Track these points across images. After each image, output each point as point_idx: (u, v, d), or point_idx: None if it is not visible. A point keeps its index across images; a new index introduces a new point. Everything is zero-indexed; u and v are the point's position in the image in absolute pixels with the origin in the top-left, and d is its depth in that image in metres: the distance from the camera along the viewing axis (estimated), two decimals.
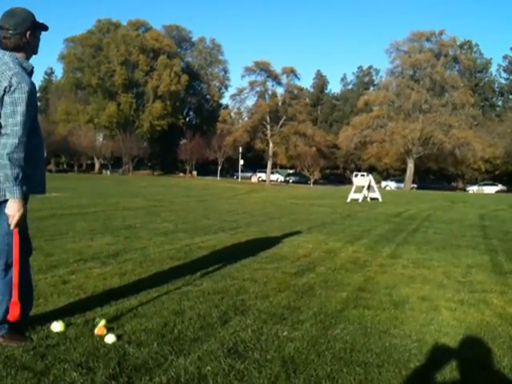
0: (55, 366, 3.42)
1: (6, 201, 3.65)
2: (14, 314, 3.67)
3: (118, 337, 3.97)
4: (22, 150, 3.55)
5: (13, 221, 3.64)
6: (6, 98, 3.54)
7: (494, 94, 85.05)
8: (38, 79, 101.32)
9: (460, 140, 64.08)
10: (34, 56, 3.90)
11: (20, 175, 3.56)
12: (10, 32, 3.68)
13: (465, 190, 68.62)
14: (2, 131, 3.55)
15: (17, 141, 3.52)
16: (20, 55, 3.75)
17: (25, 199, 3.73)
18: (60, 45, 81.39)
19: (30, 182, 3.72)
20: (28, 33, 3.72)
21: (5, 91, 3.55)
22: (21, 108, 3.55)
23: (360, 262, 7.87)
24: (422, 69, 69.28)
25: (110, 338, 3.90)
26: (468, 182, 78.01)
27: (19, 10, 3.78)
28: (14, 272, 3.72)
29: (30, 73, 3.79)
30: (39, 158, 3.90)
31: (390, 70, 73.63)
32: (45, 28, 3.93)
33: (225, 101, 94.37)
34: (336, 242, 9.99)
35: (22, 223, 3.76)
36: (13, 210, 3.62)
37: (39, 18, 3.85)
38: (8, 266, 3.75)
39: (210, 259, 7.46)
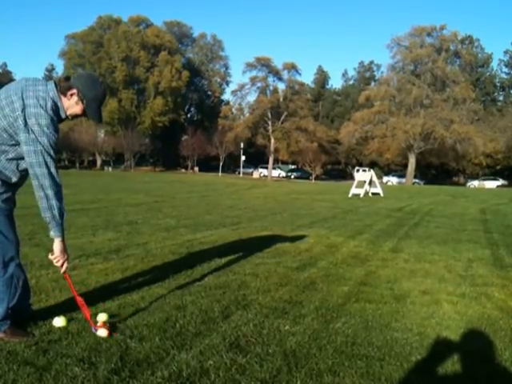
0: (57, 361, 3.43)
1: None
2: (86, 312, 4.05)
3: (119, 331, 3.99)
4: (60, 186, 3.69)
5: (62, 265, 3.84)
6: (34, 136, 3.53)
7: (495, 89, 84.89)
8: (38, 75, 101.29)
9: (461, 135, 63.89)
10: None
11: (64, 214, 3.72)
12: (71, 78, 3.80)
13: (464, 185, 68.41)
14: (31, 171, 3.60)
15: (55, 179, 3.65)
16: (63, 103, 3.77)
17: (11, 210, 3.85)
18: (61, 41, 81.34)
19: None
20: (71, 92, 3.74)
21: (31, 127, 3.53)
22: (48, 151, 3.58)
23: (361, 257, 7.88)
24: (423, 64, 69.12)
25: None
26: (469, 176, 77.91)
27: (96, 80, 3.99)
28: (72, 288, 4.08)
29: (61, 119, 3.80)
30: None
31: (391, 65, 73.51)
32: (94, 116, 3.92)
33: (226, 97, 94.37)
34: (337, 236, 10.00)
35: (5, 221, 3.78)
36: (58, 251, 3.78)
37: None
38: (6, 264, 3.76)
39: (212, 254, 7.45)
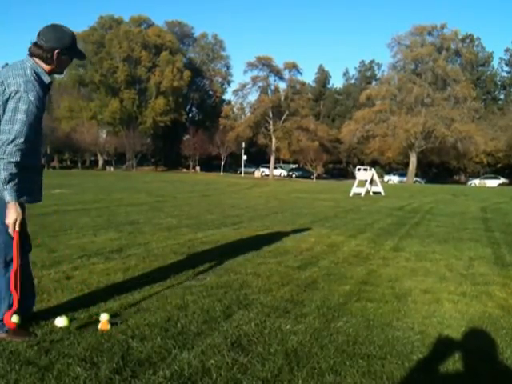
0: (59, 360, 3.43)
1: None
2: (10, 322, 3.72)
3: (120, 331, 4.00)
4: (14, 155, 3.53)
5: (9, 226, 3.67)
6: (10, 104, 3.56)
7: (495, 88, 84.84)
8: None
9: (462, 133, 63.91)
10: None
11: (9, 178, 3.54)
12: (42, 42, 3.75)
13: (465, 184, 68.43)
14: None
15: (9, 147, 3.52)
16: (44, 67, 3.80)
17: (21, 205, 3.76)
18: None
19: (28, 190, 3.78)
20: (56, 51, 3.76)
21: (10, 96, 3.57)
22: (21, 117, 3.55)
23: (363, 256, 7.88)
24: (423, 63, 69.11)
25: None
26: (470, 175, 77.91)
27: (60, 28, 3.87)
28: (12, 277, 3.73)
29: (46, 86, 3.81)
30: (36, 166, 3.91)
31: (392, 64, 73.57)
32: (80, 56, 4.01)
33: (227, 96, 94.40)
34: (339, 235, 10.00)
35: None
36: (7, 214, 3.65)
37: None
38: (7, 263, 3.76)
39: (213, 254, 7.47)
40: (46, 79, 3.81)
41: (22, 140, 3.56)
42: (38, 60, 3.77)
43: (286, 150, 76.40)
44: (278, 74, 75.96)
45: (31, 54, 3.78)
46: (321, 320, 4.51)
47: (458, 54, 72.19)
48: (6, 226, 3.70)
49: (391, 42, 71.05)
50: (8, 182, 3.56)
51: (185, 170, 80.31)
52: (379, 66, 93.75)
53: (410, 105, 68.67)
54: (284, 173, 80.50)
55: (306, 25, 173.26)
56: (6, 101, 3.58)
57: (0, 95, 3.59)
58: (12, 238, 3.73)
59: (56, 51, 3.76)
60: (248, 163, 77.76)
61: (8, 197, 3.59)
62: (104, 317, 4.13)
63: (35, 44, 3.77)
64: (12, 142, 3.52)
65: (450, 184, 63.89)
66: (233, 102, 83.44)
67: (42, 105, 3.73)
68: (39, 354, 3.51)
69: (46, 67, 3.81)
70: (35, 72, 3.72)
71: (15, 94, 3.56)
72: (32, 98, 3.59)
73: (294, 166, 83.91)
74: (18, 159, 3.56)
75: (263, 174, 75.93)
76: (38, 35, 3.76)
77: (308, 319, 4.52)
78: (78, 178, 39.64)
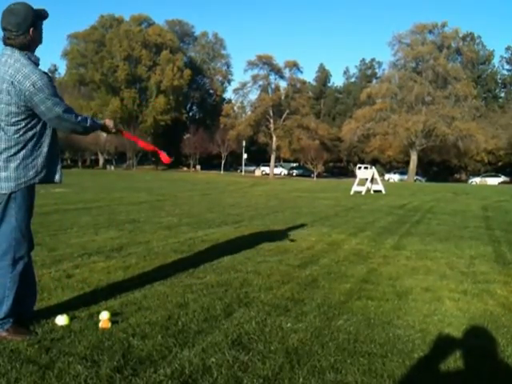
0: (60, 359, 3.43)
1: (13, 192, 3.72)
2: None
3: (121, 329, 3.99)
4: (75, 116, 3.87)
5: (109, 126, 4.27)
6: (36, 97, 3.63)
7: (496, 86, 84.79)
8: None
9: (463, 132, 63.90)
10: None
11: (90, 125, 3.99)
12: (14, 33, 3.68)
13: (466, 182, 68.45)
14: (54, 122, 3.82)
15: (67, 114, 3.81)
16: (31, 47, 3.80)
17: (31, 190, 3.85)
18: (63, 41, 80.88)
19: (48, 170, 3.92)
20: (31, 30, 3.73)
21: (29, 91, 3.60)
22: (51, 102, 3.68)
23: (363, 254, 7.87)
24: (424, 61, 69.09)
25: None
26: (471, 173, 77.86)
27: (18, 8, 3.73)
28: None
29: (37, 65, 3.82)
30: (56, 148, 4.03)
31: (393, 62, 73.57)
32: (45, 16, 3.91)
33: (228, 95, 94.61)
34: (339, 234, 10.00)
35: (25, 218, 3.81)
36: (107, 124, 4.27)
37: None
38: (15, 261, 3.77)
39: (214, 252, 7.46)
40: (36, 59, 3.83)
41: (71, 112, 3.85)
42: (23, 51, 3.75)
43: (286, 148, 76.38)
44: (279, 72, 76.01)
45: (11, 46, 3.74)
46: (321, 318, 4.51)
47: (459, 53, 72.18)
48: (20, 223, 3.79)
49: (392, 41, 71.15)
50: (91, 125, 4.00)
51: (185, 168, 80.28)
52: (380, 64, 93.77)
53: (410, 103, 68.70)
54: (284, 171, 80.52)
55: (306, 23, 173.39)
56: (30, 97, 3.62)
57: (17, 94, 3.61)
58: (23, 236, 3.83)
59: (31, 29, 3.73)
60: (248, 162, 77.80)
61: (99, 122, 4.18)
62: (105, 315, 4.13)
63: (8, 38, 3.71)
64: (65, 111, 3.78)
65: (451, 182, 63.90)
66: (233, 101, 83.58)
67: (51, 76, 3.85)
68: (40, 353, 3.51)
69: (31, 55, 3.80)
70: (27, 58, 3.72)
71: (33, 86, 3.60)
72: (46, 79, 3.69)
73: (294, 165, 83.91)
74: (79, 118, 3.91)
75: (264, 172, 75.97)
76: (5, 29, 3.70)
77: (309, 317, 4.51)
78: (79, 177, 39.58)
